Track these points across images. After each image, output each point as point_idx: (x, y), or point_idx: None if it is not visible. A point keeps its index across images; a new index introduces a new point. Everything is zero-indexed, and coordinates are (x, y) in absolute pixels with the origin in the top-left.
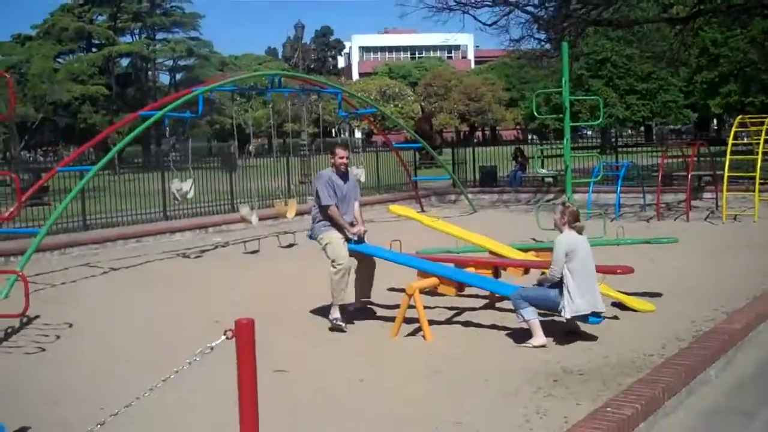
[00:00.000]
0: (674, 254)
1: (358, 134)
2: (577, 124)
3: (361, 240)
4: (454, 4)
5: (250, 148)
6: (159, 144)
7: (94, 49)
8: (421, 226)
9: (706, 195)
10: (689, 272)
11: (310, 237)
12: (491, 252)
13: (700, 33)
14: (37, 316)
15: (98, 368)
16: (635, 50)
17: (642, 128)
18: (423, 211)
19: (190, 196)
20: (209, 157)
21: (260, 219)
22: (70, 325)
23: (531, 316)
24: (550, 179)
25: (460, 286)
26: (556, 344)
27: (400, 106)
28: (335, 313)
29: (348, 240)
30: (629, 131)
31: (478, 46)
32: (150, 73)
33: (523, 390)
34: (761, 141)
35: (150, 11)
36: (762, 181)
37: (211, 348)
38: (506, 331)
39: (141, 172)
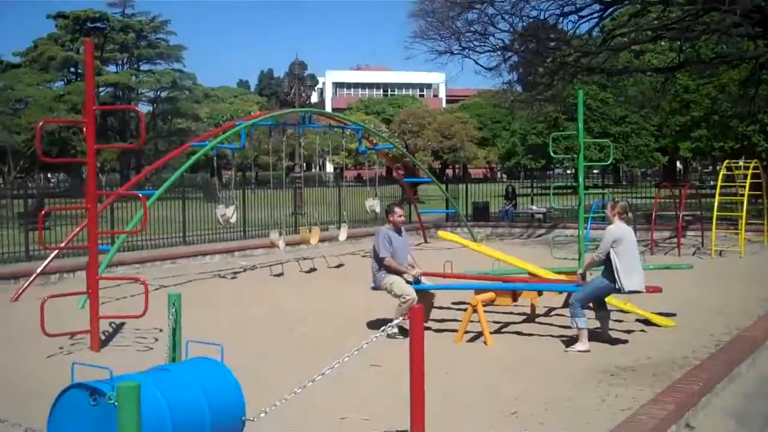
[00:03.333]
0: (678, 282)
1: (329, 168)
2: (591, 164)
3: (418, 280)
4: (458, 48)
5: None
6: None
7: (78, 79)
8: (461, 250)
9: (690, 233)
10: (695, 297)
11: (374, 288)
12: (530, 273)
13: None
14: (123, 323)
15: None
16: (609, 95)
17: (609, 169)
18: (426, 241)
19: (233, 220)
20: (180, 187)
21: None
22: (160, 330)
23: (583, 326)
24: (540, 215)
25: (514, 297)
26: (600, 349)
27: (374, 141)
28: (393, 329)
29: (408, 282)
30: (596, 172)
31: (448, 85)
32: (132, 103)
33: (588, 381)
34: (747, 185)
35: (136, 42)
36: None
37: (383, 332)
38: (552, 339)
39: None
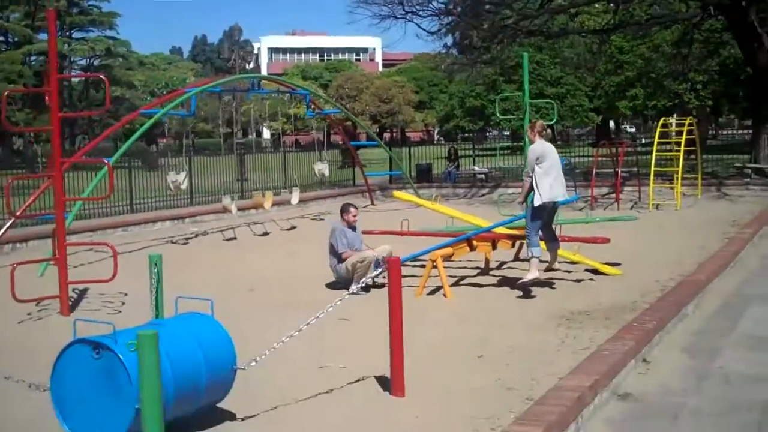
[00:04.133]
0: (621, 234)
1: (266, 134)
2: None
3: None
4: (402, 12)
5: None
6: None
7: (8, 48)
8: (407, 210)
9: (627, 188)
10: (638, 247)
11: (338, 279)
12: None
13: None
14: (87, 289)
15: None
16: (546, 56)
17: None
18: (373, 203)
19: (183, 186)
20: (126, 156)
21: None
22: (126, 294)
23: (537, 254)
24: (482, 176)
25: (471, 246)
26: (553, 296)
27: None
28: (355, 288)
29: None
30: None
31: (389, 49)
32: (65, 71)
33: (546, 325)
34: (682, 141)
35: (68, 10)
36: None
37: (374, 279)
38: (507, 290)
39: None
